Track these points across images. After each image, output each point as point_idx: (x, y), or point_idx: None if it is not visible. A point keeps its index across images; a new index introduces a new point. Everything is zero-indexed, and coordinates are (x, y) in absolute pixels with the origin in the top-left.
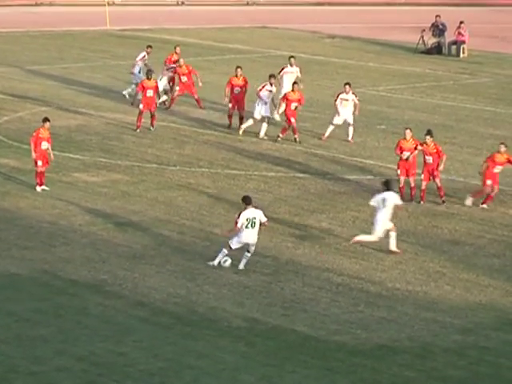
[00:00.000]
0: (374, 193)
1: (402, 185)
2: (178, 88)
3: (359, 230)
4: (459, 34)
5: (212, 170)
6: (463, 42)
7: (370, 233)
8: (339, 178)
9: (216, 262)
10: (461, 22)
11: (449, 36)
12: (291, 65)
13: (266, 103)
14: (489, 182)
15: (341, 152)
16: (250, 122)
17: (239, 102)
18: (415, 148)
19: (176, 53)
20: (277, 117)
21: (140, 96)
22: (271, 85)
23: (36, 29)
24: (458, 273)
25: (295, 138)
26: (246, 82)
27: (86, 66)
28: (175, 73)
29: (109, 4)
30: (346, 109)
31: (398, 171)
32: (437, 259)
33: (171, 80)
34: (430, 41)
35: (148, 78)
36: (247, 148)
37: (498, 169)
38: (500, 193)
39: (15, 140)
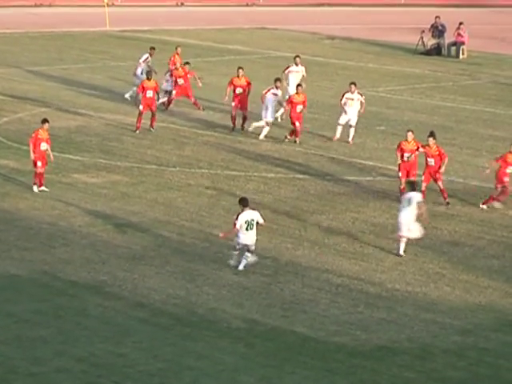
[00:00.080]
0: (374, 194)
1: (403, 186)
2: (174, 91)
3: (359, 231)
4: (459, 35)
5: (212, 171)
6: (463, 43)
7: (372, 233)
8: (339, 179)
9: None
10: (460, 23)
11: (448, 37)
12: (296, 64)
13: (271, 107)
14: (506, 178)
15: (340, 153)
16: (262, 123)
17: (242, 102)
18: (417, 149)
19: (177, 53)
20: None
21: (141, 97)
22: (277, 88)
23: (36, 30)
24: (457, 274)
25: (295, 140)
26: (248, 83)
27: (86, 67)
28: (172, 76)
29: (108, 5)
30: (351, 108)
31: (400, 173)
32: (436, 260)
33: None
34: (430, 42)
35: (148, 79)
36: (247, 149)
37: (510, 169)
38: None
39: (15, 141)
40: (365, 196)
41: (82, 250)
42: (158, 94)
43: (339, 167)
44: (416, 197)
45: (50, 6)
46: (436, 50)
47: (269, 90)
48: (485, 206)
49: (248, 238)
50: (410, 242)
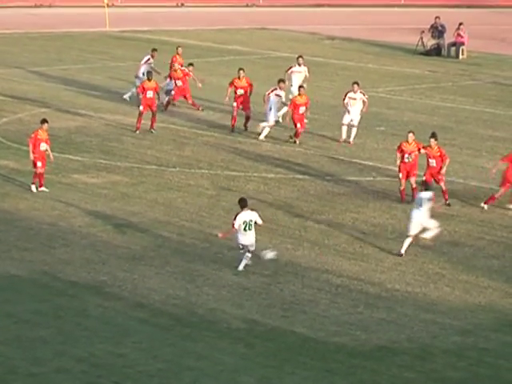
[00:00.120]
0: (374, 194)
1: (402, 187)
2: (173, 92)
3: (359, 231)
4: (458, 35)
5: (211, 172)
6: (462, 44)
7: (372, 233)
8: (338, 180)
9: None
10: (460, 24)
11: (448, 37)
12: (299, 64)
13: (274, 108)
14: None
15: (340, 153)
16: (271, 123)
17: (243, 103)
18: (418, 151)
19: (178, 54)
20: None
21: (141, 97)
22: (280, 89)
23: (35, 30)
24: (457, 274)
25: (295, 141)
26: (250, 84)
27: (86, 68)
28: (170, 78)
29: (108, 6)
30: (353, 108)
31: (400, 174)
32: (436, 260)
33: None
34: (430, 42)
35: (148, 79)
36: (247, 149)
37: None
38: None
39: (14, 141)
40: (365, 196)
41: (81, 251)
42: (158, 94)
43: (339, 168)
44: (427, 196)
45: (49, 6)
46: (436, 51)
47: (272, 91)
48: (486, 206)
49: (246, 238)
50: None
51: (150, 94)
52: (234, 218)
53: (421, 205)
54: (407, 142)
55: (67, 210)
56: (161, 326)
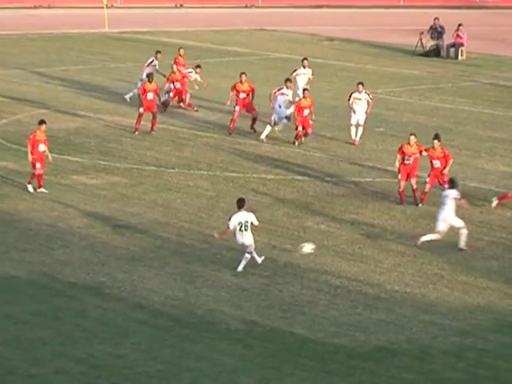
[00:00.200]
0: (373, 195)
1: (402, 189)
2: (171, 94)
3: (358, 232)
4: (458, 36)
5: (211, 173)
6: (461, 45)
7: (371, 234)
8: (338, 181)
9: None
10: (459, 25)
11: (447, 38)
12: (304, 67)
13: (279, 107)
14: None
15: (339, 154)
16: (284, 121)
17: (247, 106)
18: (420, 153)
19: (180, 55)
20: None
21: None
22: (287, 88)
23: (35, 31)
24: (456, 275)
25: (294, 141)
26: (252, 89)
27: (85, 69)
28: (169, 80)
29: (108, 6)
30: (359, 108)
31: (399, 176)
32: (435, 261)
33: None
34: (429, 43)
35: (149, 81)
36: (246, 150)
37: None
38: (499, 195)
39: (14, 142)
40: (364, 197)
41: (81, 252)
42: (158, 96)
43: (338, 168)
44: (452, 194)
45: (49, 7)
46: (435, 52)
47: (279, 90)
48: (495, 203)
49: (242, 238)
50: (410, 242)
51: (150, 95)
52: (229, 219)
53: (445, 203)
54: (408, 144)
55: (66, 211)
56: (160, 326)
